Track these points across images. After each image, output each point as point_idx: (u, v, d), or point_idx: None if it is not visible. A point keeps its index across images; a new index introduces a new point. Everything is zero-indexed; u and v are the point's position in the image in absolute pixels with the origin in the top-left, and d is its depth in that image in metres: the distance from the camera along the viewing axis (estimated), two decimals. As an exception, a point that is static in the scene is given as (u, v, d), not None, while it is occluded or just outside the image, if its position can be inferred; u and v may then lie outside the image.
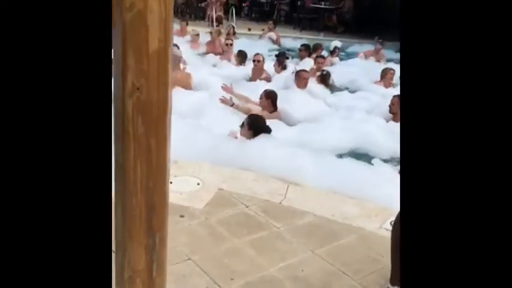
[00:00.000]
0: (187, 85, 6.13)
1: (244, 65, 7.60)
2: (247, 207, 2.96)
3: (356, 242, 2.67)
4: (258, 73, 6.93)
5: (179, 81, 6.07)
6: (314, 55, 8.23)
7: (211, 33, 9.47)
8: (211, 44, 8.99)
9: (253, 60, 7.02)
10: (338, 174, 3.56)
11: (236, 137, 4.09)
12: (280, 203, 3.05)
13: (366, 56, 9.29)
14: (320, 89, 6.77)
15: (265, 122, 4.23)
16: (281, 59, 7.14)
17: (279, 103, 5.64)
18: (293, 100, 5.87)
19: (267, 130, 4.17)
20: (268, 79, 6.77)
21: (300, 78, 6.24)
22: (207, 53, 8.74)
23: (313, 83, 6.67)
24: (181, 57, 6.57)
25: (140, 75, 1.10)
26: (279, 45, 10.31)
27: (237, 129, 4.13)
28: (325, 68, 7.40)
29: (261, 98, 5.08)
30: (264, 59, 7.02)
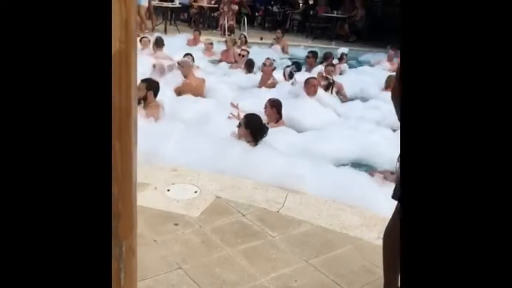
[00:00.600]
0: (200, 92, 6.19)
1: (253, 73, 7.65)
2: (244, 215, 2.92)
3: (352, 253, 2.61)
4: (266, 76, 6.95)
5: (193, 88, 6.13)
6: (325, 63, 8.19)
7: (226, 42, 9.53)
8: (225, 52, 9.04)
9: (264, 64, 7.06)
10: (339, 184, 3.51)
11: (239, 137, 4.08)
12: (278, 211, 3.01)
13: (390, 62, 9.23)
14: (329, 97, 6.73)
15: (261, 122, 4.23)
16: (288, 71, 7.14)
17: (288, 110, 5.63)
18: (302, 107, 5.85)
19: (264, 130, 4.15)
20: (273, 85, 6.76)
21: (309, 86, 6.20)
22: (220, 61, 8.79)
23: (322, 91, 6.64)
24: (193, 65, 6.64)
25: (101, 78, 1.08)
26: (287, 53, 10.31)
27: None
28: (334, 76, 7.36)
29: (265, 108, 5.06)
30: (272, 63, 7.04)
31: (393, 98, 1.79)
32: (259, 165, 3.63)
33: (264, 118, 4.95)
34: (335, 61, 8.82)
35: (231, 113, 5.03)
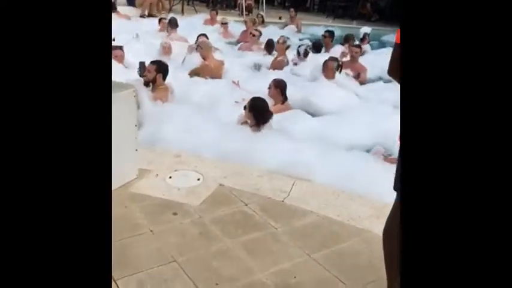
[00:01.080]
0: (218, 75, 6.07)
1: (272, 54, 7.42)
2: (246, 205, 2.78)
3: (358, 246, 2.45)
4: (279, 54, 6.73)
5: (211, 70, 6.01)
6: (346, 45, 7.86)
7: (245, 22, 9.29)
8: (244, 33, 8.80)
9: (277, 41, 6.85)
10: (351, 172, 3.33)
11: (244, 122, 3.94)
12: (283, 201, 2.86)
13: None
14: (350, 79, 6.48)
15: (267, 106, 4.08)
16: (303, 50, 6.88)
17: (304, 94, 5.44)
18: (319, 91, 5.64)
19: (267, 115, 4.00)
20: (282, 63, 6.52)
21: (328, 69, 5.96)
22: (238, 42, 8.57)
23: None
24: (212, 46, 6.49)
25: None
26: (300, 32, 9.96)
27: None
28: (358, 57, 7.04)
29: (269, 88, 4.88)
30: (285, 41, 6.82)
31: (391, 72, 1.65)
32: (266, 152, 3.48)
33: (268, 99, 4.79)
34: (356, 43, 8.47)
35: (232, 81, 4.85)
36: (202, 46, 6.26)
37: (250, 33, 8.19)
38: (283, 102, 4.85)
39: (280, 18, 11.14)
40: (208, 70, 6.02)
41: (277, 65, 6.55)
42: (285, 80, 5.14)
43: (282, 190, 2.98)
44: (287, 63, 6.66)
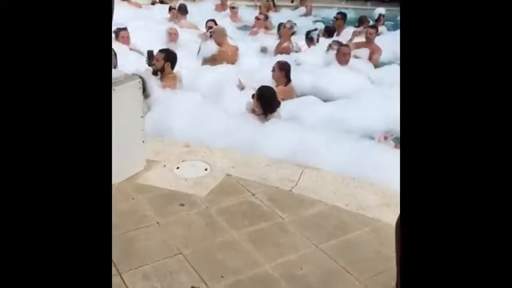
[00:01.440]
0: (234, 60, 6.04)
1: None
2: (254, 195, 2.75)
3: (367, 236, 2.40)
4: (283, 40, 6.63)
5: (228, 56, 5.98)
6: (360, 28, 7.68)
7: (259, 7, 9.14)
8: (258, 19, 8.58)
9: (283, 25, 6.77)
10: (361, 159, 3.26)
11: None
12: (291, 190, 2.82)
13: None
14: (363, 62, 6.36)
15: (275, 94, 4.05)
16: (315, 35, 6.75)
17: (318, 79, 5.36)
18: (332, 76, 5.54)
19: (275, 103, 3.98)
20: (288, 49, 6.41)
21: (341, 54, 5.85)
22: (253, 27, 8.41)
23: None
24: (226, 33, 6.42)
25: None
26: (309, 15, 9.76)
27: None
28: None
29: (273, 70, 4.83)
30: (292, 26, 6.70)
31: None
32: (275, 140, 3.43)
33: (272, 81, 4.73)
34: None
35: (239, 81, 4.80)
36: (216, 32, 6.21)
37: (256, 17, 8.06)
38: (286, 84, 4.79)
39: (292, 1, 10.95)
40: (224, 56, 6.00)
41: (282, 51, 6.45)
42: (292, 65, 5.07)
43: (290, 179, 2.93)
44: (293, 48, 6.54)
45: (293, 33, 6.84)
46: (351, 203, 2.69)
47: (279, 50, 6.49)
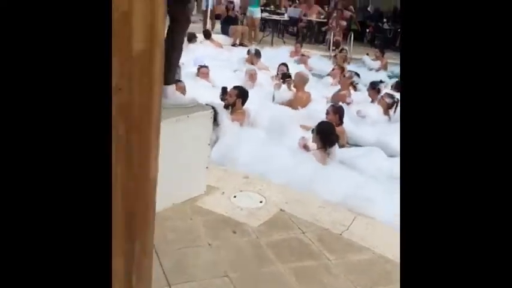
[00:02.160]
0: (304, 105, 6.14)
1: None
2: (304, 233, 2.83)
3: (412, 290, 2.39)
4: (342, 88, 6.77)
5: (303, 101, 6.16)
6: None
7: (335, 57, 9.39)
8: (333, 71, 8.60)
9: (343, 75, 7.03)
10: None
11: (305, 146, 4.08)
12: (341, 234, 2.87)
13: None
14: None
15: (334, 130, 4.26)
16: (378, 88, 6.74)
17: (381, 134, 5.42)
18: (396, 132, 5.55)
19: (334, 138, 4.19)
20: (344, 97, 6.40)
21: None
22: (329, 75, 8.44)
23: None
24: (308, 79, 6.65)
25: (122, 76, 1.10)
26: (384, 69, 9.82)
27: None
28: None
29: (327, 114, 5.06)
30: (352, 75, 6.99)
31: None
32: (332, 182, 3.50)
33: None
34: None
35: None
36: (298, 76, 6.41)
37: (333, 68, 8.25)
38: (338, 125, 4.92)
39: (367, 54, 11.13)
40: (300, 102, 6.16)
41: (339, 98, 6.52)
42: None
43: (341, 223, 2.99)
44: (350, 97, 6.55)
45: (351, 84, 6.93)
46: (397, 254, 2.68)
47: (337, 98, 6.58)
